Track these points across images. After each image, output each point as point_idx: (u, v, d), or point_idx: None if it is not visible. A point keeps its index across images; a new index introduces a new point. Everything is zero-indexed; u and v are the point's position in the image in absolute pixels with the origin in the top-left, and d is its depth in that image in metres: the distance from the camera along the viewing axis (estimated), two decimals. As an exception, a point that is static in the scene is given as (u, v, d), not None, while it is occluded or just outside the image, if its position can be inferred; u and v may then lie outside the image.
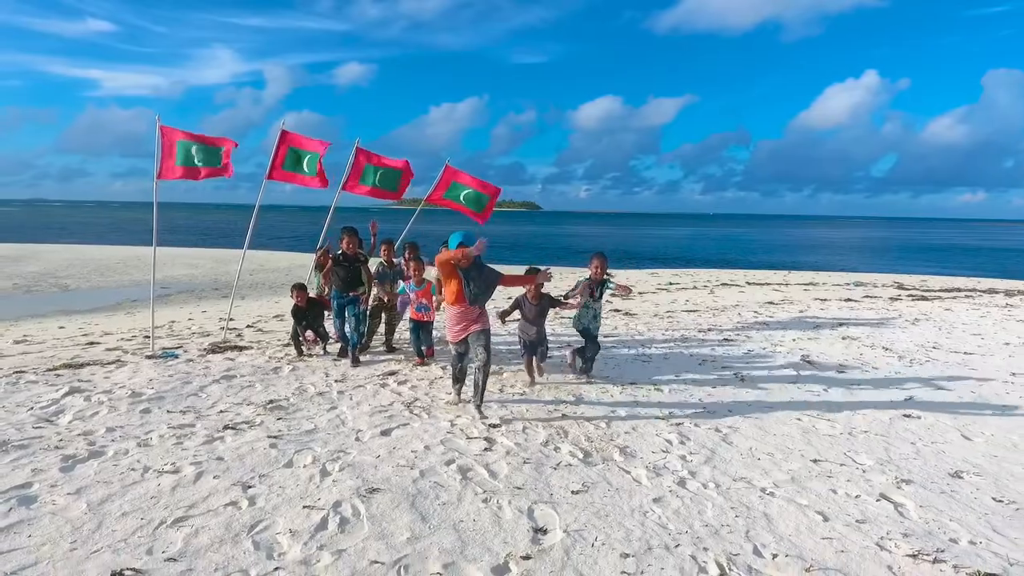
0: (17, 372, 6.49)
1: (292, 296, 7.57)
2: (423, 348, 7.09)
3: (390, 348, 7.77)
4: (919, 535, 3.23)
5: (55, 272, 20.94)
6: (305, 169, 7.87)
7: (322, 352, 7.52)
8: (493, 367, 5.96)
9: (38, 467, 3.88)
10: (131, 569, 2.74)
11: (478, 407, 5.13)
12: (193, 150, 7.62)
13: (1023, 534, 3.27)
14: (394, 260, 7.83)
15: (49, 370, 6.61)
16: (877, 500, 3.64)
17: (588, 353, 6.39)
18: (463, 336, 5.09)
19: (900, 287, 18.38)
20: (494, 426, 4.86)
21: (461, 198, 9.82)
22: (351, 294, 7.05)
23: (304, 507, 3.39)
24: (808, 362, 7.47)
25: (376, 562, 2.86)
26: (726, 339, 8.90)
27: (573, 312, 6.42)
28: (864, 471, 4.10)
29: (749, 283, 19.27)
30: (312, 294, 7.83)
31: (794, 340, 8.94)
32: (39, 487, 3.59)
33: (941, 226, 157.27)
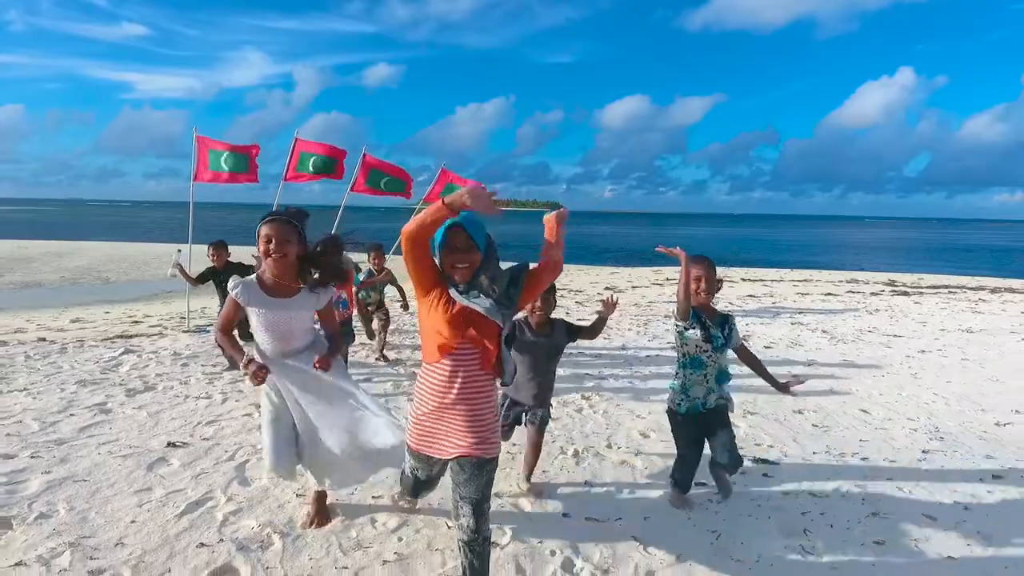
0: (79, 341, 7.99)
1: (209, 255, 6.51)
2: None
3: (383, 356, 6.89)
4: (734, 441, 4.46)
5: (97, 267, 22.70)
6: (311, 168, 9.22)
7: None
8: None
9: (109, 394, 5.30)
10: (181, 442, 4.15)
11: None
12: (223, 158, 9.07)
13: (813, 443, 4.49)
14: (385, 267, 7.02)
15: (105, 339, 8.10)
16: (720, 423, 4.88)
17: (717, 458, 3.45)
18: (432, 450, 2.49)
19: (891, 284, 19.12)
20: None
21: (457, 197, 11.17)
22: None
23: (297, 417, 4.77)
24: (743, 340, 8.62)
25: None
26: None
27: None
28: (726, 407, 5.32)
29: (743, 279, 20.17)
30: None
31: (747, 325, 10.06)
32: (112, 404, 5.02)
33: (976, 227, 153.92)
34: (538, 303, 3.38)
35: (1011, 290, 17.57)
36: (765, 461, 4.09)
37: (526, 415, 3.57)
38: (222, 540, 2.95)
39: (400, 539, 3.01)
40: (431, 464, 2.59)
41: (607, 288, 16.00)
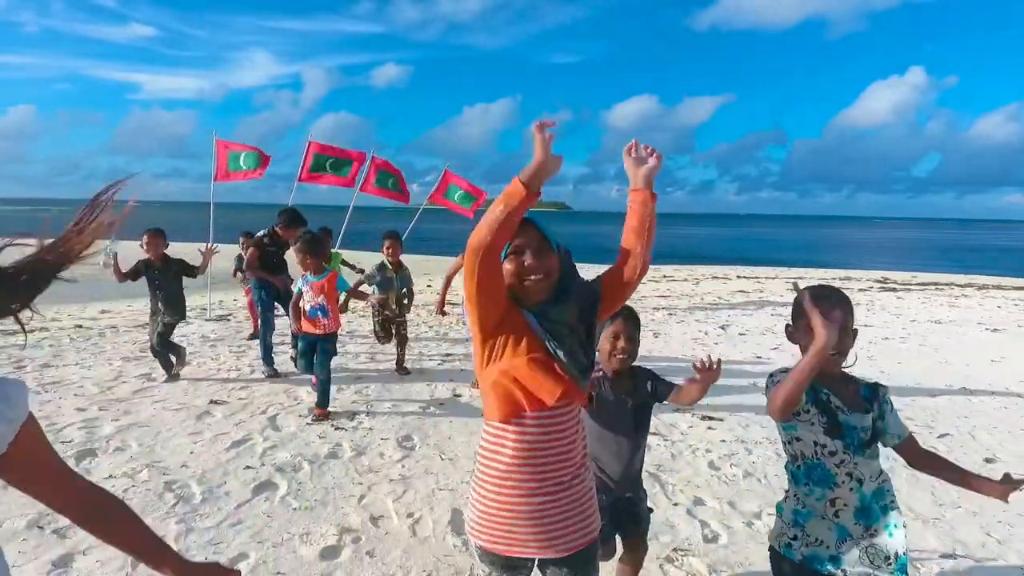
0: (113, 327, 8.81)
1: (142, 244, 5.54)
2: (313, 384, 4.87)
3: (402, 368, 6.21)
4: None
5: (117, 263, 23.65)
6: (328, 170, 10.00)
7: (174, 374, 5.59)
8: None
9: (152, 367, 6.10)
10: (221, 400, 4.97)
11: None
12: (241, 158, 9.89)
13: (754, 409, 5.23)
14: (401, 260, 6.13)
15: (136, 326, 8.90)
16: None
17: None
18: (530, 549, 1.64)
19: (882, 281, 19.63)
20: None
21: (456, 198, 11.92)
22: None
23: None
24: (722, 328, 9.36)
25: (354, 401, 5.00)
26: (670, 314, 10.81)
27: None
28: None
29: (739, 276, 20.75)
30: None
31: (728, 317, 10.76)
32: (156, 375, 5.82)
33: (984, 227, 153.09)
34: (621, 342, 2.30)
35: (998, 287, 18.03)
36: (711, 417, 4.86)
37: (619, 524, 2.39)
38: (263, 465, 3.74)
39: (403, 466, 3.79)
40: (525, 566, 1.72)
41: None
